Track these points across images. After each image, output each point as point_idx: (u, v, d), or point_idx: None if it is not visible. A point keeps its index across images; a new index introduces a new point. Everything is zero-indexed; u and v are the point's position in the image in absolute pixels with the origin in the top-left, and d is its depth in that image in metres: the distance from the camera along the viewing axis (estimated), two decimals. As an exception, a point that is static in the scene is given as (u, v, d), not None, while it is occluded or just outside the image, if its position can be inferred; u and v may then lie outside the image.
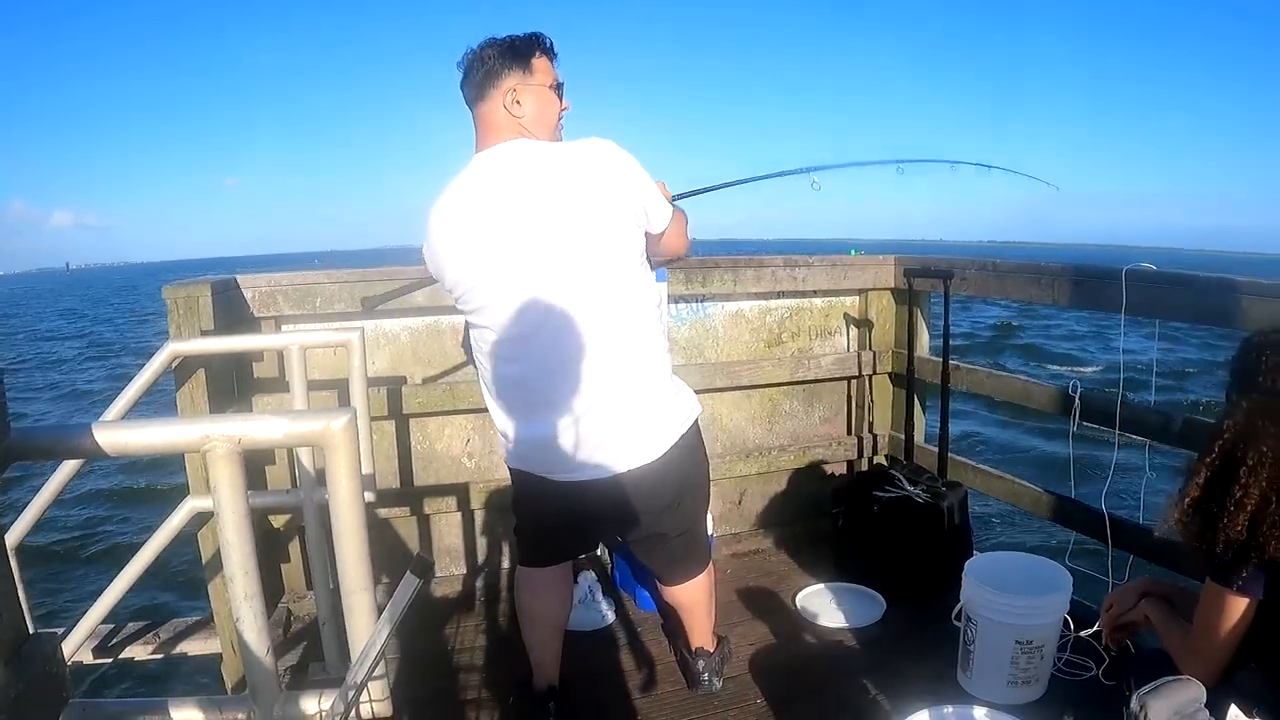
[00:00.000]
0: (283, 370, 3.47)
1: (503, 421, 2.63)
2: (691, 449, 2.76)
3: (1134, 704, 1.82)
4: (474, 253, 2.44)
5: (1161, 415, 3.46)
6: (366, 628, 1.58)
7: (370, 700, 1.75)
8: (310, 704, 1.61)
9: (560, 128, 2.58)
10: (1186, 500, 2.02)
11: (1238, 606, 2.03)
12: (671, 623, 3.40)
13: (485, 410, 4.02)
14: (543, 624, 2.94)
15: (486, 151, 2.46)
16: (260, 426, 1.34)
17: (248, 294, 3.68)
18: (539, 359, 2.46)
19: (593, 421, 2.48)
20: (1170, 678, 1.87)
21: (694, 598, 3.02)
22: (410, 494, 4.10)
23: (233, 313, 3.54)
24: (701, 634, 3.14)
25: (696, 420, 2.77)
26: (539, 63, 2.50)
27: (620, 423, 2.52)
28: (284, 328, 3.76)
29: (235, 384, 3.67)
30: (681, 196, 2.90)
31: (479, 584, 4.17)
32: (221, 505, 1.34)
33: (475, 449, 4.21)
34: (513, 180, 2.40)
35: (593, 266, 2.41)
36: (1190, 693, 1.83)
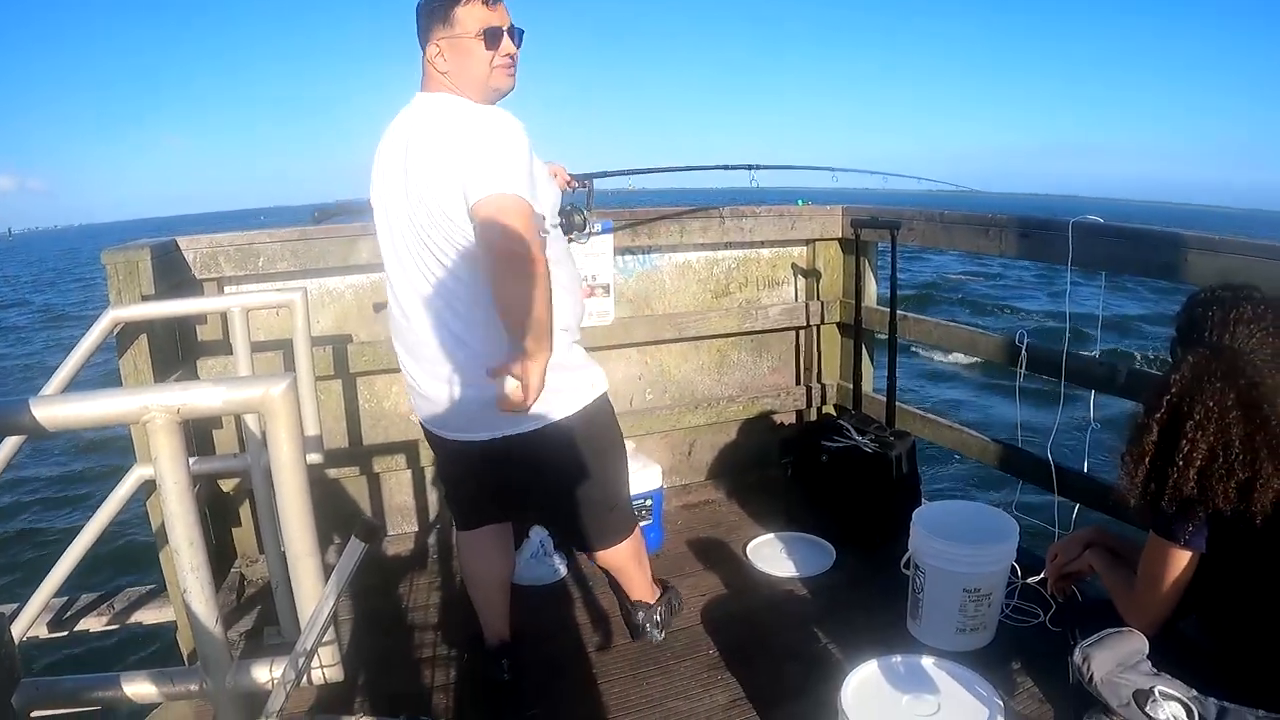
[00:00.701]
0: (227, 333, 3.41)
1: (406, 372, 2.62)
2: (594, 421, 2.66)
3: (1077, 655, 1.85)
4: (375, 198, 2.50)
5: (1107, 366, 3.50)
6: (314, 593, 1.57)
7: (321, 666, 1.74)
8: (262, 672, 1.60)
9: (507, 73, 2.43)
10: (1136, 455, 2.04)
11: (1181, 560, 2.06)
12: (603, 585, 3.45)
13: (433, 366, 4.03)
14: (485, 584, 2.95)
15: (416, 98, 2.46)
16: (199, 395, 1.32)
17: (189, 256, 3.59)
18: (403, 315, 2.49)
19: (456, 383, 2.46)
20: (1113, 629, 1.90)
21: (618, 563, 2.99)
22: (359, 453, 4.06)
23: (174, 276, 3.46)
24: (637, 588, 3.12)
25: (602, 398, 2.69)
26: (461, 10, 2.35)
27: (478, 388, 2.39)
28: (227, 289, 3.68)
29: (179, 349, 3.59)
30: (622, 174, 2.88)
31: (431, 541, 4.16)
32: (164, 477, 1.32)
33: None
34: (409, 135, 2.37)
35: (427, 228, 2.33)
36: (1132, 644, 1.86)
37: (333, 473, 3.97)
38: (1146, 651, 1.86)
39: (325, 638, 1.65)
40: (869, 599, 3.47)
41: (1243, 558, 2.00)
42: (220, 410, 1.34)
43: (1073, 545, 2.64)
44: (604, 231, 3.75)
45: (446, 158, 2.25)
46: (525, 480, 2.69)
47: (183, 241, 3.57)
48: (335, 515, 3.99)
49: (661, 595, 3.21)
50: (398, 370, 3.94)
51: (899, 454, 3.86)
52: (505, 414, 2.28)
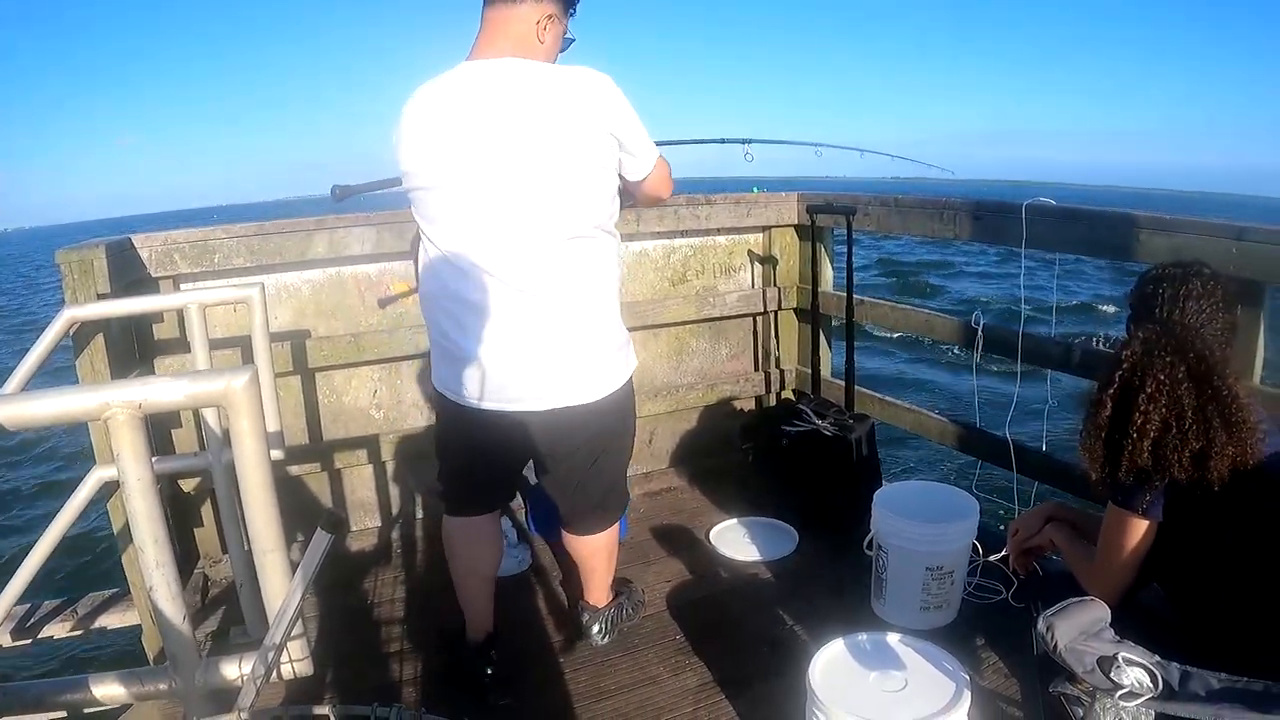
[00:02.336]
0: (184, 330, 3.38)
1: (443, 339, 2.53)
2: (626, 401, 2.72)
3: (1041, 625, 1.88)
4: (446, 157, 2.34)
5: (1062, 346, 3.55)
6: (281, 587, 1.56)
7: (290, 660, 1.74)
8: (231, 669, 1.59)
9: None
10: (1092, 430, 2.09)
11: (1140, 529, 2.12)
12: (568, 575, 3.42)
13: (392, 360, 4.01)
14: (477, 573, 2.90)
15: (488, 61, 2.36)
16: (160, 390, 1.31)
17: (144, 254, 3.55)
18: (495, 276, 2.37)
19: (533, 351, 2.43)
20: (1075, 599, 1.94)
21: (596, 549, 2.99)
22: (320, 449, 4.04)
23: (130, 274, 3.42)
24: (596, 589, 3.12)
25: (631, 375, 2.72)
26: (575, 9, 2.49)
27: (560, 357, 2.45)
28: (183, 286, 3.64)
29: (136, 348, 3.56)
30: None
31: (394, 535, 4.14)
32: (126, 473, 1.31)
33: (383, 400, 4.16)
34: (502, 95, 2.30)
35: (558, 200, 2.34)
36: (1095, 613, 1.90)
37: (294, 469, 3.94)
38: (1109, 620, 1.90)
39: (293, 632, 1.65)
40: (833, 580, 3.50)
41: (1200, 525, 2.06)
42: (183, 404, 1.34)
43: (1033, 520, 2.70)
44: None
45: (607, 125, 2.33)
46: (568, 452, 2.66)
47: (137, 239, 3.53)
48: (298, 512, 3.94)
49: (614, 599, 3.20)
50: (356, 365, 3.97)
51: (859, 436, 3.88)
52: (587, 381, 2.49)
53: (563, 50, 2.49)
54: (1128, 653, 1.76)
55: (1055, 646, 1.83)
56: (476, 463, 2.73)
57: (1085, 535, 2.44)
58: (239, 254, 3.68)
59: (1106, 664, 1.76)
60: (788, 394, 4.94)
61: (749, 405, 4.94)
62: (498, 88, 2.29)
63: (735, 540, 3.91)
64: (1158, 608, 2.23)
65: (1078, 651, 1.81)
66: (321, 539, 1.63)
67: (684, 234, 4.59)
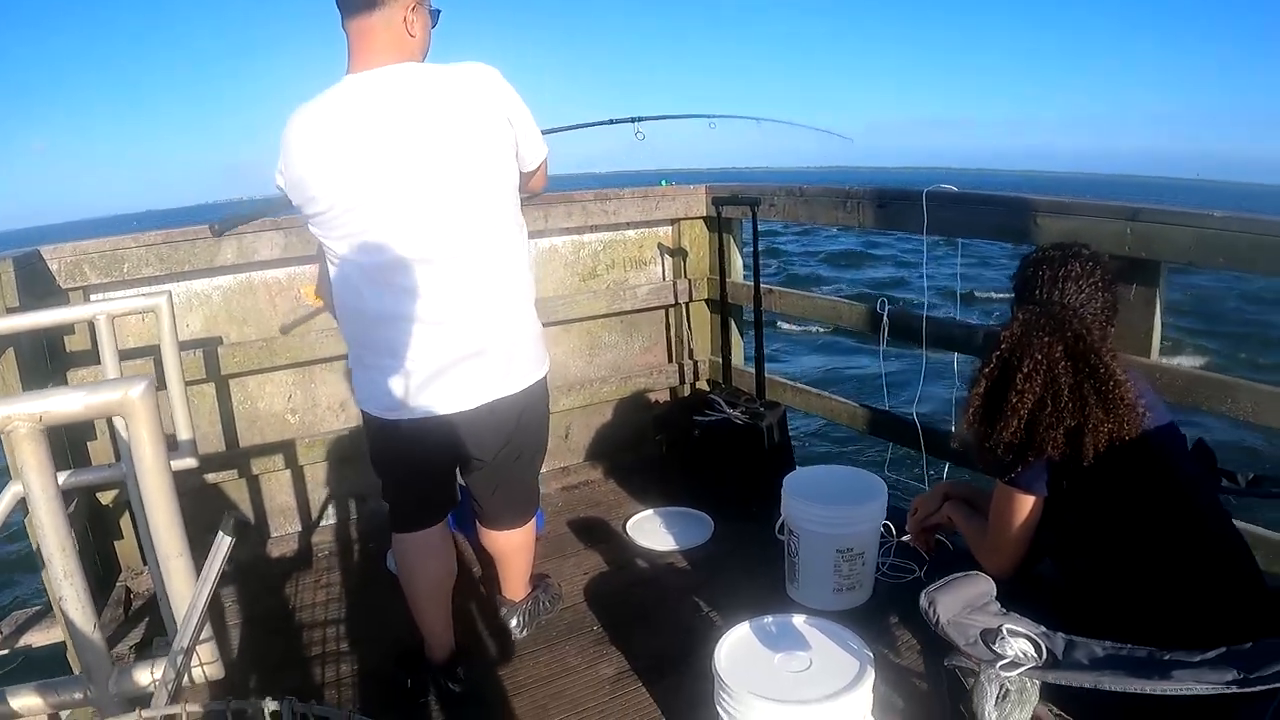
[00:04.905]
0: (97, 342, 3.34)
1: (368, 355, 2.48)
2: (545, 393, 2.75)
3: (923, 600, 1.92)
4: (353, 176, 2.26)
5: (965, 328, 3.64)
6: (187, 592, 1.57)
7: (201, 664, 1.74)
8: (144, 675, 1.58)
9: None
10: (970, 409, 2.15)
11: (1024, 504, 2.18)
12: (485, 570, 3.40)
13: (305, 364, 3.98)
14: (437, 588, 2.82)
15: (370, 73, 2.27)
16: (60, 402, 1.31)
17: (53, 265, 3.48)
18: (426, 285, 2.34)
19: (461, 351, 2.42)
20: (959, 574, 1.98)
21: (517, 545, 3.00)
22: (237, 455, 3.99)
23: (39, 286, 3.35)
24: (514, 583, 3.13)
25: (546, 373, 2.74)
26: None
27: (487, 352, 2.46)
28: (94, 297, 3.57)
29: (48, 361, 3.49)
30: None
31: (314, 540, 4.10)
32: (31, 486, 1.31)
33: (298, 404, 4.13)
34: (400, 103, 2.26)
35: (480, 197, 2.35)
36: (979, 587, 1.95)
37: (211, 477, 3.90)
38: (994, 593, 1.94)
39: (203, 635, 1.65)
40: (747, 566, 3.54)
41: (1084, 501, 2.12)
42: (82, 415, 1.33)
43: (931, 499, 2.76)
44: None
45: (505, 119, 2.35)
46: (492, 446, 2.64)
47: (46, 251, 3.46)
48: (217, 520, 3.89)
49: (531, 592, 3.21)
50: (270, 370, 3.94)
51: (769, 424, 3.93)
52: (515, 373, 2.54)
53: (434, 25, 2.43)
54: (1012, 624, 1.80)
55: (937, 621, 1.87)
56: (418, 474, 2.68)
57: (980, 511, 2.50)
58: (149, 263, 3.62)
59: (990, 636, 1.79)
60: (702, 384, 4.99)
61: (664, 397, 4.97)
62: (392, 96, 2.26)
63: (651, 531, 3.94)
64: (1054, 580, 2.30)
65: (961, 625, 1.84)
66: (222, 541, 1.63)
67: (593, 229, 4.61)
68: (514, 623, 3.14)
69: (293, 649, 3.24)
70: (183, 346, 3.39)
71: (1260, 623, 1.94)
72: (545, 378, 2.71)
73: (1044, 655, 1.76)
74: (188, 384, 3.49)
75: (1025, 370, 2.05)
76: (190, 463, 3.03)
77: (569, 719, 2.74)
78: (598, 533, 4.00)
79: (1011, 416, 2.05)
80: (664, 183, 4.77)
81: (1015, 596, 2.00)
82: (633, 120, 3.74)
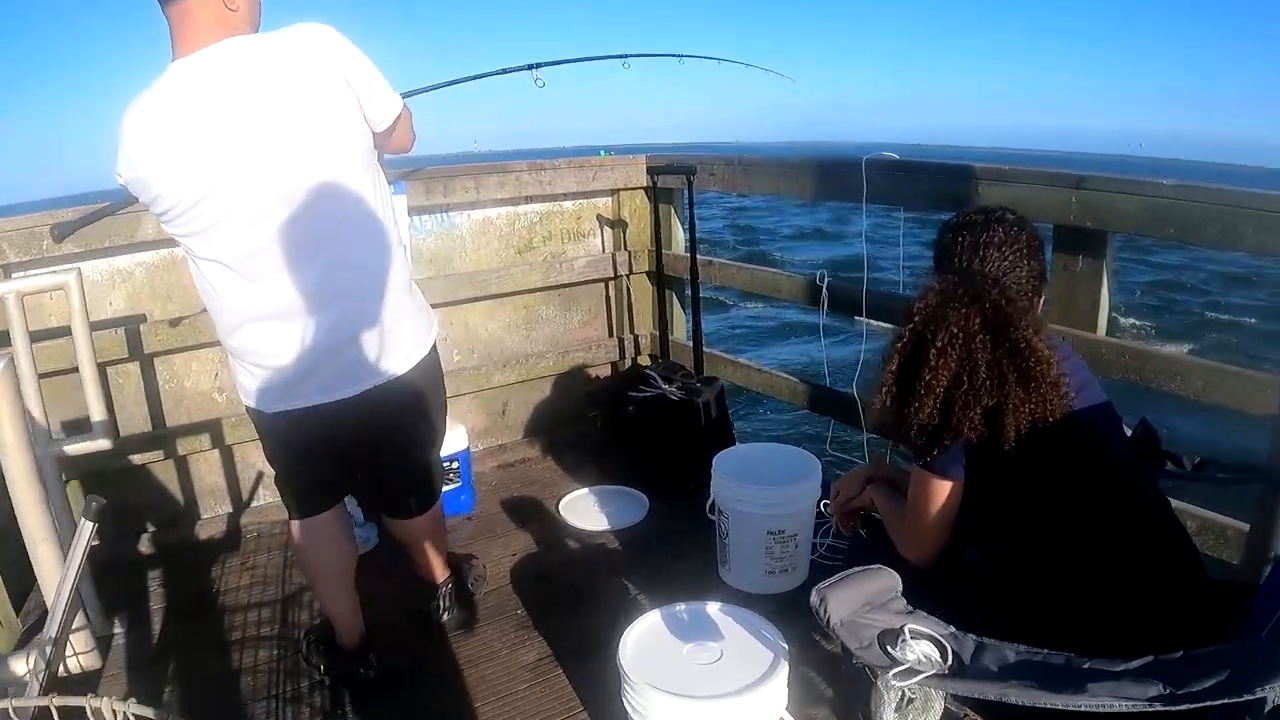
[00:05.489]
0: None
1: (252, 354, 2.35)
2: (436, 369, 2.63)
3: (814, 597, 1.79)
4: (191, 169, 2.10)
5: (905, 300, 3.49)
6: (54, 580, 1.49)
7: (76, 654, 1.67)
8: (20, 665, 1.52)
9: None
10: (883, 387, 2.00)
11: (941, 489, 2.04)
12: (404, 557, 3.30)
13: (231, 341, 3.84)
14: (338, 574, 2.72)
15: (196, 56, 2.11)
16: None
17: (-30, 244, 3.34)
18: (289, 272, 2.20)
19: (338, 337, 2.29)
20: (858, 568, 1.86)
21: (424, 530, 2.88)
22: (163, 436, 3.86)
23: (-45, 267, 3.21)
24: (432, 566, 3.02)
25: (436, 346, 2.61)
26: None
27: (366, 336, 2.33)
28: (14, 275, 3.44)
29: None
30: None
31: (244, 521, 3.99)
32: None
33: (225, 382, 3.99)
34: (228, 84, 2.09)
35: (334, 169, 2.19)
36: (881, 582, 1.82)
37: (137, 459, 3.77)
38: (898, 589, 1.82)
39: (76, 623, 1.56)
40: (681, 547, 3.46)
41: (1005, 485, 1.99)
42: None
43: (853, 481, 2.63)
44: (396, 194, 3.63)
45: (346, 80, 2.18)
46: (378, 434, 2.51)
47: None
48: (144, 503, 3.84)
49: (452, 574, 3.09)
50: (195, 348, 3.80)
51: (706, 400, 3.84)
52: (394, 353, 2.38)
53: None
54: (917, 624, 1.67)
55: (828, 621, 1.75)
56: (302, 463, 2.56)
57: (903, 494, 2.39)
58: (69, 239, 3.47)
59: (890, 638, 1.66)
60: (644, 359, 4.89)
61: (604, 372, 4.88)
62: (219, 78, 2.10)
63: (585, 510, 3.85)
64: (978, 566, 2.19)
65: (856, 625, 1.72)
66: (84, 528, 1.55)
67: (528, 200, 4.49)
68: (434, 605, 3.04)
69: (214, 634, 3.15)
70: (105, 325, 3.49)
71: (1197, 619, 1.83)
72: (433, 354, 2.59)
73: (949, 659, 1.63)
74: (110, 363, 3.56)
75: (939, 344, 1.88)
76: (103, 444, 2.94)
77: (486, 705, 2.65)
78: (530, 512, 3.90)
79: (926, 395, 1.89)
80: (602, 152, 4.68)
81: (936, 583, 1.89)
82: (529, 67, 3.53)
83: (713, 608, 2.35)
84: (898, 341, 1.97)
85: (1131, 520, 1.97)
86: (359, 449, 2.55)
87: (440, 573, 3.04)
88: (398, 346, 2.41)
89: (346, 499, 3.06)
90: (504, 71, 3.61)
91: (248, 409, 2.49)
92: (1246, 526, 2.54)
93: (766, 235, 28.29)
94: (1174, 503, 2.67)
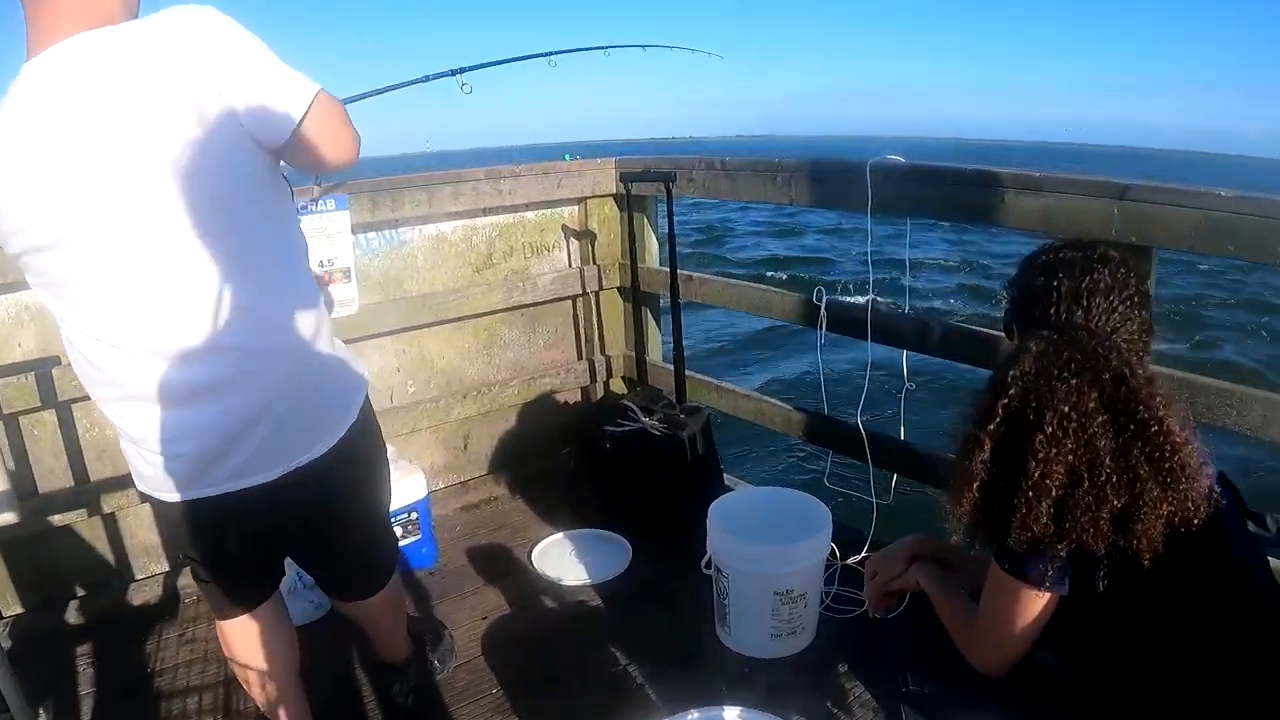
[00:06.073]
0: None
1: (126, 429, 1.90)
2: (371, 423, 2.18)
3: None
4: (38, 204, 1.66)
5: (918, 323, 3.23)
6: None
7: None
8: None
9: None
10: (964, 480, 1.56)
11: (1038, 603, 1.59)
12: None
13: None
14: (275, 678, 2.32)
15: (48, 54, 1.65)
16: None
17: None
18: (170, 342, 1.75)
19: (240, 415, 1.83)
20: None
21: (374, 611, 2.48)
22: (85, 492, 3.43)
23: None
24: (389, 645, 2.64)
25: (367, 396, 2.16)
26: None
27: (296, 401, 1.89)
28: None
29: None
30: None
31: (182, 583, 3.58)
32: None
33: None
34: (85, 94, 1.62)
35: (214, 206, 1.71)
36: None
37: (58, 519, 3.34)
38: None
39: None
40: (672, 602, 3.17)
41: (1119, 600, 1.58)
42: None
43: (893, 560, 2.18)
44: (339, 209, 3.25)
45: (212, 83, 1.65)
46: (309, 517, 2.09)
47: None
48: (71, 566, 3.46)
49: (414, 652, 2.72)
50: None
51: (692, 433, 3.53)
52: (321, 422, 1.94)
53: None
54: None
55: None
56: (223, 560, 2.14)
57: (959, 577, 1.99)
58: None
59: None
60: (617, 382, 4.57)
61: (574, 398, 4.55)
62: (77, 83, 1.64)
63: (560, 559, 3.52)
64: (1052, 666, 1.78)
65: None
66: None
67: (485, 212, 4.11)
68: (395, 689, 2.68)
69: (148, 714, 2.85)
70: (14, 370, 3.16)
71: None
72: (363, 412, 2.12)
73: None
74: (21, 413, 3.20)
75: (1049, 431, 1.46)
76: (8, 518, 2.52)
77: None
78: (499, 564, 3.56)
79: (1039, 498, 1.46)
80: (567, 157, 4.35)
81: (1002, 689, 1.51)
82: (454, 73, 3.26)
83: (731, 713, 1.95)
84: (987, 421, 1.53)
85: (1247, 627, 1.57)
86: (287, 538, 2.17)
87: (399, 650, 2.67)
88: (325, 413, 1.98)
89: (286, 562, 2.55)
90: (427, 79, 3.36)
91: (142, 495, 2.03)
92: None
93: (725, 231, 28.10)
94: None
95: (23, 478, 3.19)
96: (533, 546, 3.61)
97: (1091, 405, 1.43)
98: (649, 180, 3.88)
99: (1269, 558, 1.80)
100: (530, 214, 4.25)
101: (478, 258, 4.14)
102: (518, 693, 2.76)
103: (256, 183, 1.78)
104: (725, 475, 3.86)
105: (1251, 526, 1.78)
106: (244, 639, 2.24)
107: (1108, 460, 1.42)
